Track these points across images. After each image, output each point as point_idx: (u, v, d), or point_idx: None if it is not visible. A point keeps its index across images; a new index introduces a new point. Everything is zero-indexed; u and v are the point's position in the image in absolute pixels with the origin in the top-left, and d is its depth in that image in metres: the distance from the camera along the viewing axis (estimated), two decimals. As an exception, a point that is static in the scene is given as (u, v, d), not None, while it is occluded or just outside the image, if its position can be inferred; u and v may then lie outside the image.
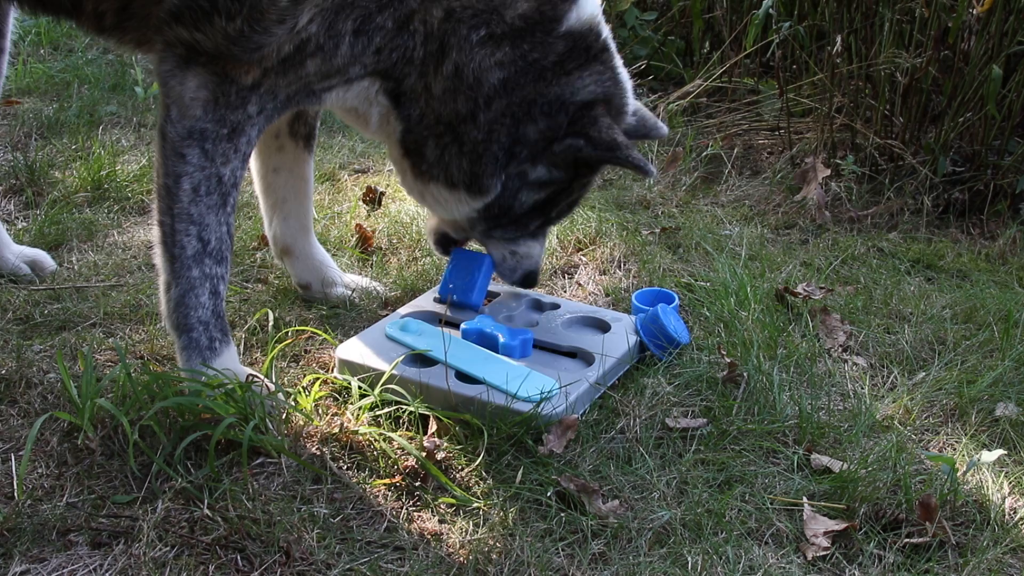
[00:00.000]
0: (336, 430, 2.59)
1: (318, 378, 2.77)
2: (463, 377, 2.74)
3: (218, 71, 2.52)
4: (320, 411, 2.68)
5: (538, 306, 3.21)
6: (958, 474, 2.50)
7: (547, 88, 2.70)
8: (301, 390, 2.71)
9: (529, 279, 3.11)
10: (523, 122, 2.72)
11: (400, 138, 2.79)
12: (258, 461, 2.50)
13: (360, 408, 2.66)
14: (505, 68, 2.65)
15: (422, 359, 2.83)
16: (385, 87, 2.68)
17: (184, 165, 2.57)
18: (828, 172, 4.43)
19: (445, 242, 3.18)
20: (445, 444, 2.56)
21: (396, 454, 2.52)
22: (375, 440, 2.56)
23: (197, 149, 2.55)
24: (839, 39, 4.52)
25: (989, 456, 2.56)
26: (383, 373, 2.71)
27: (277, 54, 2.51)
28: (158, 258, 2.67)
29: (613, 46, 2.82)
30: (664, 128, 3.05)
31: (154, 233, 2.67)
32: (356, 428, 2.59)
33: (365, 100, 2.72)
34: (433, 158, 2.78)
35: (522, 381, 2.67)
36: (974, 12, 4.30)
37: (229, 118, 2.55)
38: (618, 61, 2.83)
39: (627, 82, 2.85)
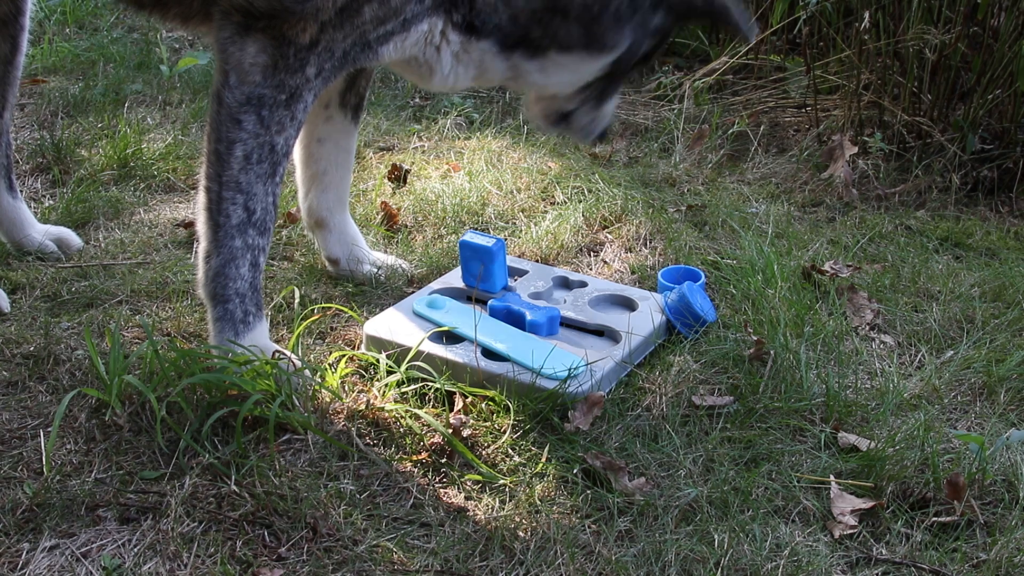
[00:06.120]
0: (362, 407, 2.60)
1: (344, 355, 2.77)
2: (489, 354, 2.74)
3: (276, 35, 2.50)
4: (346, 388, 2.69)
5: (565, 283, 3.20)
6: (986, 453, 2.48)
7: None
8: (327, 367, 2.71)
9: (605, 135, 3.11)
10: None
11: (498, 50, 2.73)
12: (285, 438, 2.51)
13: (386, 385, 2.66)
14: None
15: (449, 336, 2.83)
16: (454, 21, 2.64)
17: (239, 132, 2.54)
18: (855, 150, 4.39)
19: (563, 117, 3.04)
20: (471, 421, 2.57)
21: (422, 431, 2.52)
22: (401, 417, 2.56)
23: (254, 116, 2.54)
24: (867, 15, 4.48)
25: (1018, 435, 2.54)
26: (411, 349, 2.71)
27: (333, 4, 2.48)
28: (200, 225, 2.64)
29: None
30: None
31: (198, 199, 2.64)
32: (382, 405, 2.59)
33: (429, 45, 2.67)
34: (538, 36, 2.71)
35: (547, 358, 2.67)
36: (1004, -12, 4.26)
37: (288, 83, 2.54)
38: None
39: None
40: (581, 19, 2.69)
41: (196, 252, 2.70)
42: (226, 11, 2.53)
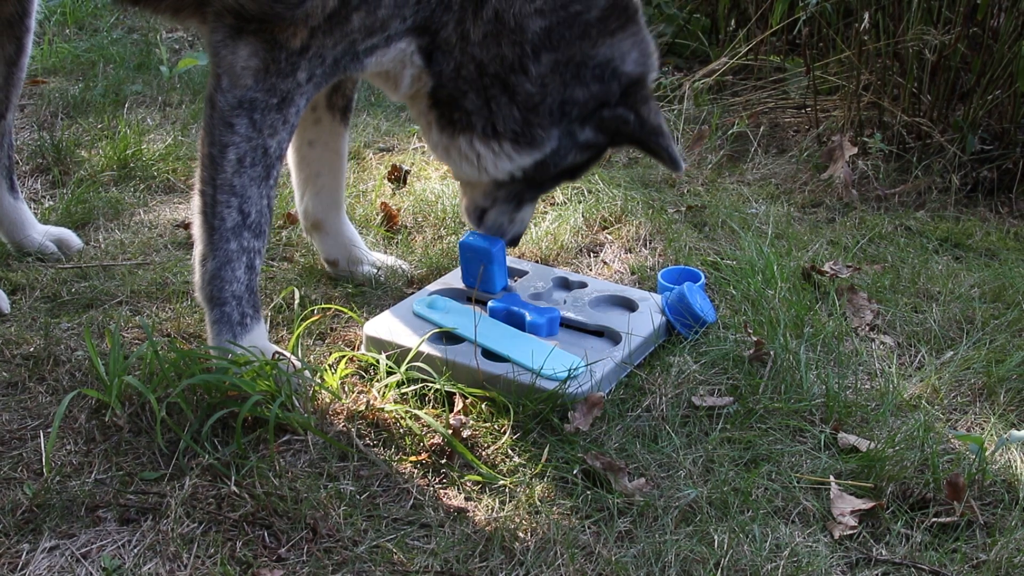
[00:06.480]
0: (362, 407, 2.60)
1: (344, 356, 2.77)
2: (489, 355, 2.74)
3: (268, 38, 2.51)
4: (346, 388, 2.69)
5: (565, 284, 3.20)
6: (986, 453, 2.48)
7: (594, 49, 2.69)
8: (327, 368, 2.71)
9: (516, 240, 3.13)
10: (574, 84, 2.71)
11: (429, 92, 2.76)
12: (285, 438, 2.51)
13: (386, 386, 2.66)
14: (546, 16, 2.63)
15: (449, 336, 2.83)
16: (420, 45, 2.66)
17: (232, 135, 2.55)
18: (855, 150, 4.39)
19: (481, 214, 3.07)
20: (471, 422, 2.56)
21: (422, 431, 2.52)
22: (401, 417, 2.56)
23: (246, 119, 2.54)
24: (867, 16, 4.48)
25: (1018, 435, 2.54)
26: (410, 350, 2.71)
27: (323, 10, 2.49)
28: (196, 228, 2.65)
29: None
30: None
31: (194, 203, 2.65)
32: (382, 406, 2.59)
33: (399, 63, 2.69)
34: (474, 107, 2.73)
35: (547, 359, 2.67)
36: (1004, -12, 4.26)
37: (279, 87, 2.54)
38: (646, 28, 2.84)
39: (655, 54, 2.85)
40: (524, 105, 2.72)
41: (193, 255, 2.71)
42: (219, 12, 2.54)
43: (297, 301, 3.06)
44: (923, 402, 2.78)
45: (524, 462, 2.47)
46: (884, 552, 2.25)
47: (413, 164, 4.27)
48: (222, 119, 2.55)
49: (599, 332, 2.94)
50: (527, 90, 2.69)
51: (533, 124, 2.74)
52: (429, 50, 2.67)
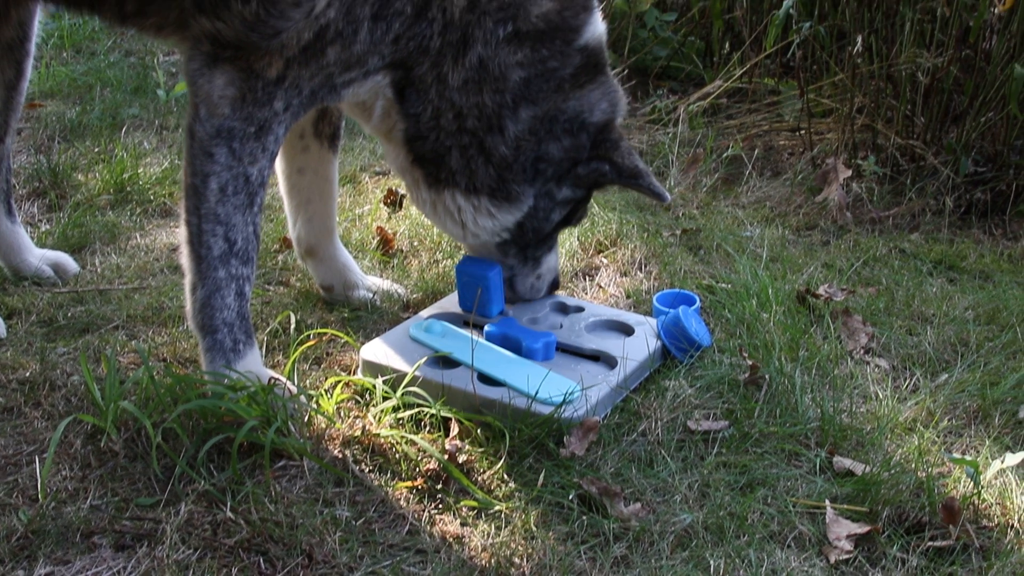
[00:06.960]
0: (358, 432, 2.60)
1: (340, 380, 2.77)
2: (485, 379, 2.74)
3: (244, 67, 2.53)
4: (342, 413, 2.69)
5: (562, 309, 3.20)
6: (981, 477, 2.48)
7: (565, 103, 2.77)
8: (323, 392, 2.71)
9: (555, 286, 3.22)
10: (547, 139, 2.78)
11: (406, 138, 2.80)
12: (280, 464, 2.51)
13: (382, 411, 2.66)
14: (525, 69, 2.70)
15: (445, 361, 2.83)
16: (393, 79, 2.69)
17: (212, 164, 2.57)
18: (849, 173, 4.41)
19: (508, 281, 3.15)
20: (467, 447, 2.56)
21: (418, 457, 2.52)
22: (397, 443, 2.56)
23: (225, 148, 2.56)
24: (860, 39, 4.50)
25: (1013, 458, 2.54)
26: (406, 374, 2.71)
27: (298, 42, 2.51)
28: (184, 258, 2.67)
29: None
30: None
31: (181, 233, 2.67)
32: (378, 431, 2.59)
33: (374, 93, 2.73)
34: (457, 166, 2.79)
35: (543, 383, 2.67)
36: (995, 11, 4.28)
37: (256, 115, 2.56)
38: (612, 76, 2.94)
39: (623, 99, 2.94)
40: (499, 164, 2.78)
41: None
42: (197, 38, 2.56)
43: (293, 326, 3.06)
44: (918, 425, 2.78)
45: (520, 487, 2.46)
46: (880, 577, 2.26)
47: (409, 187, 4.28)
48: (202, 149, 2.57)
49: (595, 356, 2.95)
50: (502, 152, 2.76)
51: (507, 180, 2.81)
52: (401, 85, 2.70)
